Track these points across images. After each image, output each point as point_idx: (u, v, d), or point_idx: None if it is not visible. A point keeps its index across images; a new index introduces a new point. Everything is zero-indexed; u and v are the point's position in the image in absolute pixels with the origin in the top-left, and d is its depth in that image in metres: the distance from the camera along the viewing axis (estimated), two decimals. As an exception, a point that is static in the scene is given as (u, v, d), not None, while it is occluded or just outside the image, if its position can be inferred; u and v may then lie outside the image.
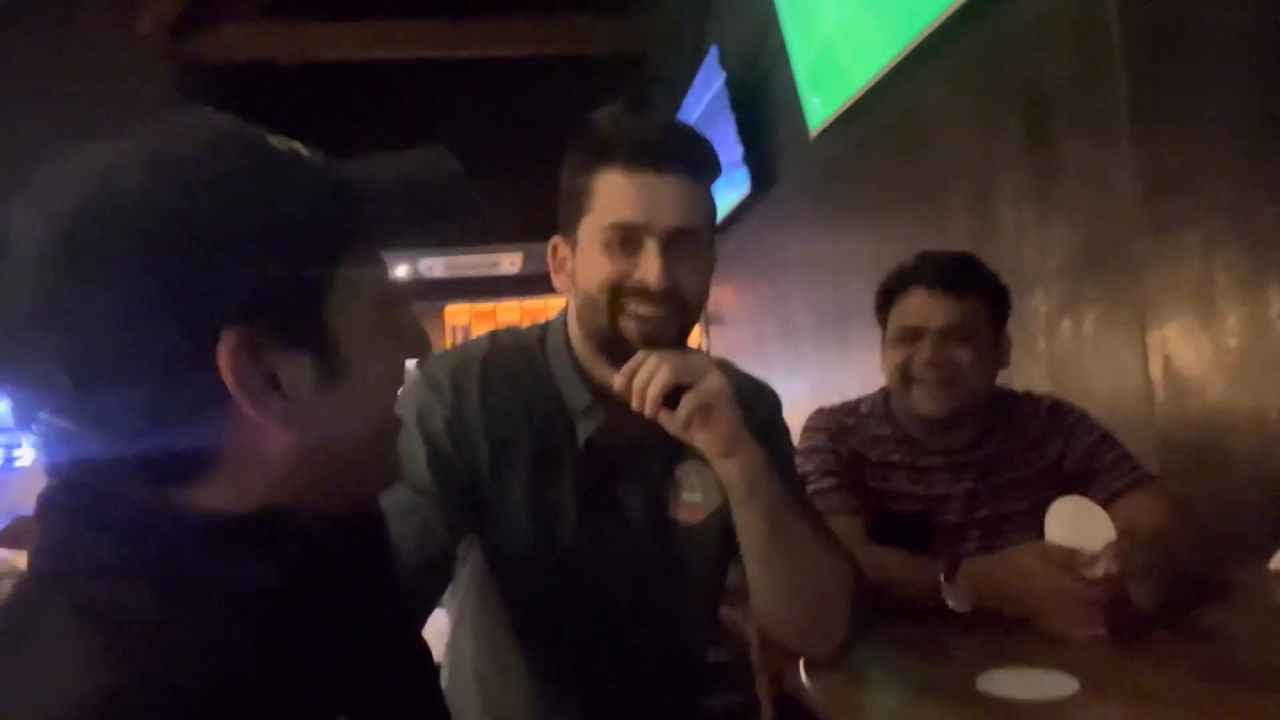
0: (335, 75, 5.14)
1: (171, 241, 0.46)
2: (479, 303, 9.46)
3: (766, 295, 3.97)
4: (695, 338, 5.25)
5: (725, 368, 1.11)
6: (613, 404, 1.00)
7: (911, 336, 1.42)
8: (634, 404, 0.92)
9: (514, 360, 1.04)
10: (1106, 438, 1.44)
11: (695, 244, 0.96)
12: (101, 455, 0.47)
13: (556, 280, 1.03)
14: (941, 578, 1.19)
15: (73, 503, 0.49)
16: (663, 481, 1.07)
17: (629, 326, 0.95)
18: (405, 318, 0.59)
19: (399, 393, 0.59)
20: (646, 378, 0.91)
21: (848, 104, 2.73)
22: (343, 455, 0.53)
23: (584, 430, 1.01)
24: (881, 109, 2.64)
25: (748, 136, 3.66)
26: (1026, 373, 1.92)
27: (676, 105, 4.47)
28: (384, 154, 0.58)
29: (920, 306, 1.42)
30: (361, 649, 0.53)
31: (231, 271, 0.47)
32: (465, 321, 10.39)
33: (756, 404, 1.11)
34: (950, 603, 1.17)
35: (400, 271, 7.83)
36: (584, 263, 0.97)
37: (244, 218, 0.48)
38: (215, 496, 0.49)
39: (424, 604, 0.92)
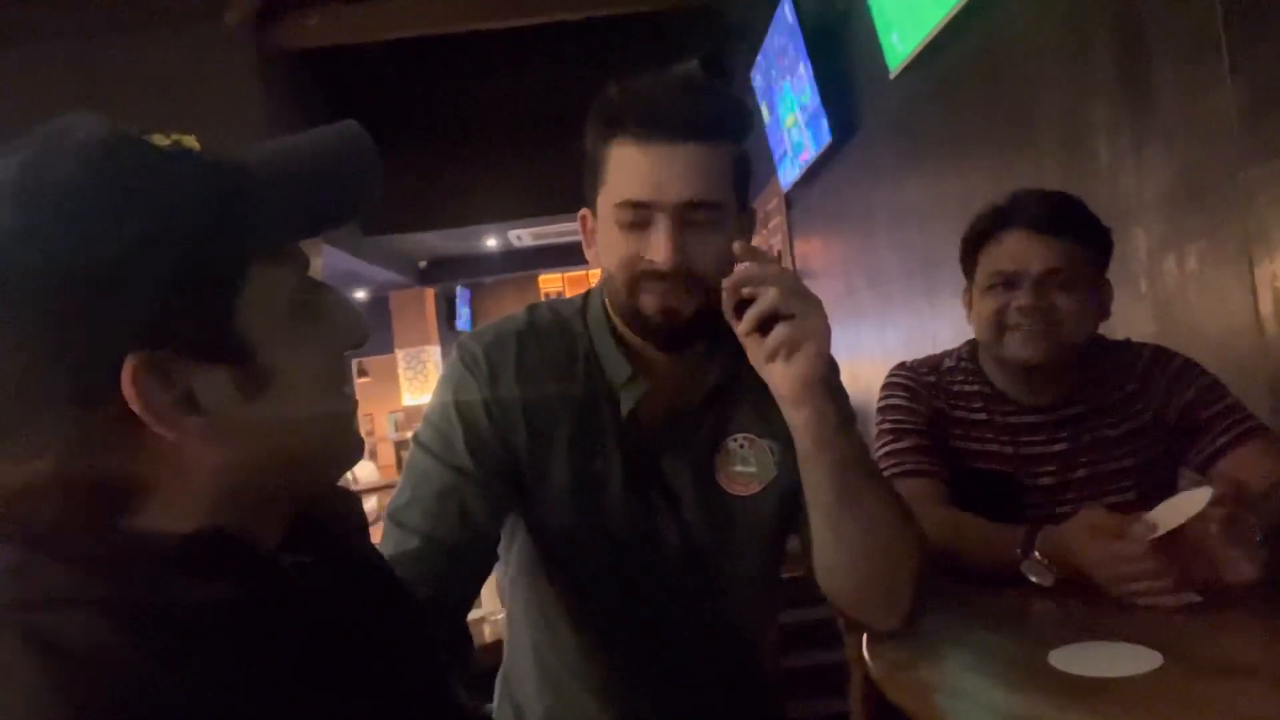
0: (420, 54, 5.20)
1: (53, 277, 0.44)
2: (571, 270, 9.53)
3: (854, 245, 3.85)
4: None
5: None
6: (655, 375, 0.99)
7: (1007, 282, 1.33)
8: (728, 315, 0.89)
9: (552, 334, 1.03)
10: (1213, 386, 1.32)
11: (714, 216, 0.92)
12: (32, 488, 0.46)
13: (588, 253, 1.01)
14: (1019, 550, 1.12)
15: (22, 533, 0.48)
16: (709, 453, 1.04)
17: (648, 304, 0.93)
18: (334, 307, 0.56)
19: (338, 383, 0.56)
20: (751, 293, 0.87)
21: (927, 39, 2.59)
22: (285, 457, 0.52)
23: (627, 401, 1.00)
24: (963, 43, 2.49)
25: (826, 84, 3.53)
26: (1128, 316, 1.79)
27: (752, 55, 4.35)
28: (292, 135, 0.54)
29: (1018, 249, 1.32)
30: (329, 664, 0.52)
31: (124, 296, 0.45)
32: (559, 289, 10.49)
33: None
34: (1031, 577, 1.11)
35: (490, 243, 7.96)
36: (602, 239, 0.96)
37: (124, 237, 0.45)
38: (157, 520, 0.48)
39: (469, 583, 0.93)
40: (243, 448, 0.49)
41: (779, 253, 5.09)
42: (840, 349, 4.45)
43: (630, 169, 0.91)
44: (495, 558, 1.02)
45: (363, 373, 9.64)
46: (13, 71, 4.08)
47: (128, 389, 0.45)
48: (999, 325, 1.34)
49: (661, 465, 1.03)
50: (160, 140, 0.50)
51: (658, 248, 0.90)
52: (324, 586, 0.55)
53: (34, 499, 0.47)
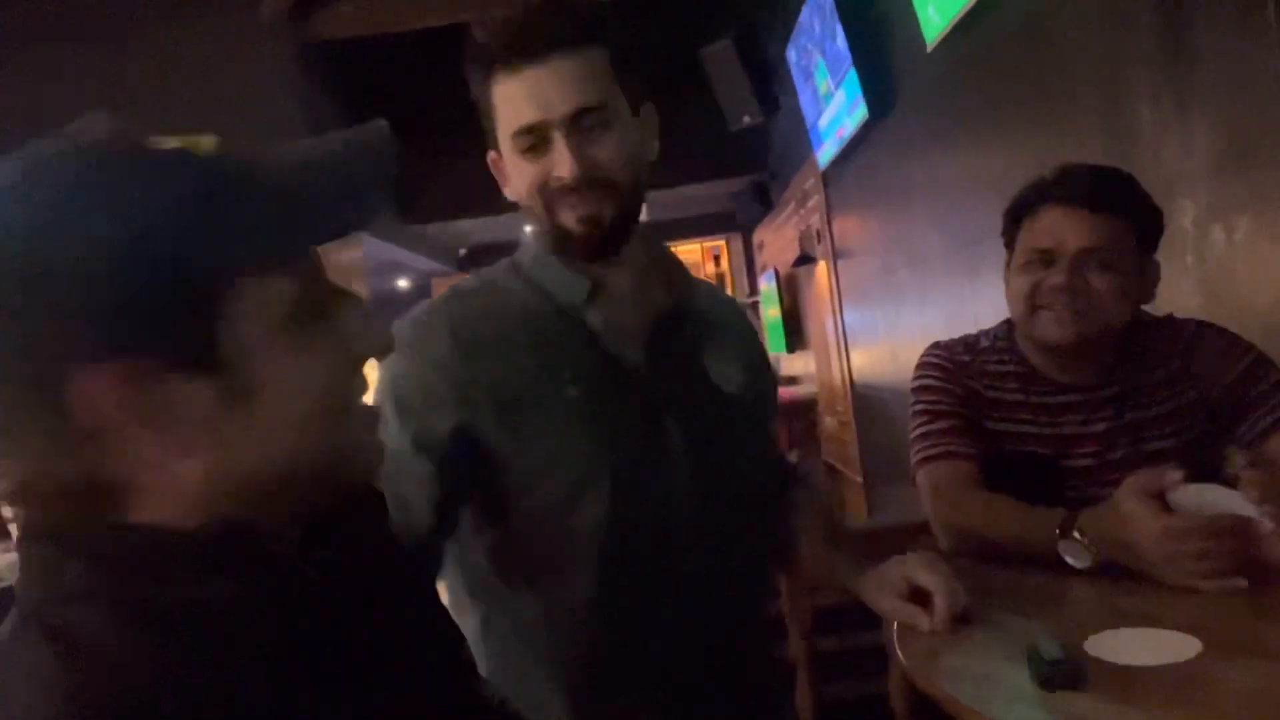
0: (457, 41, 5.20)
1: (31, 276, 0.44)
2: (611, 253, 9.47)
3: (892, 224, 3.79)
4: (822, 273, 5.12)
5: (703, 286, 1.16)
6: (609, 290, 1.02)
7: (1043, 260, 1.28)
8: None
9: (481, 293, 1.06)
10: (1260, 363, 1.28)
11: (603, 117, 0.95)
12: (31, 484, 0.47)
13: (506, 192, 1.05)
14: (1057, 533, 1.10)
15: (41, 530, 0.49)
16: (695, 353, 1.07)
17: (567, 218, 0.97)
18: (350, 317, 0.54)
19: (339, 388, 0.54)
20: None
21: (964, 11, 2.53)
22: (270, 469, 0.50)
23: (595, 317, 1.01)
24: (1000, 13, 2.43)
25: (861, 59, 3.47)
26: (1172, 290, 1.74)
27: (786, 33, 4.28)
28: (315, 137, 0.53)
29: (1055, 226, 1.28)
30: (346, 660, 0.52)
31: (99, 300, 0.44)
32: (600, 272, 10.47)
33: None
34: (1069, 559, 1.08)
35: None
36: (511, 173, 1.00)
37: (108, 244, 0.45)
38: (158, 515, 0.48)
39: (435, 557, 0.95)
40: (222, 457, 0.48)
41: (817, 232, 5.03)
42: (879, 328, 4.40)
43: (514, 98, 0.94)
44: (455, 525, 0.99)
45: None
46: (50, 66, 4.16)
47: (99, 396, 0.45)
48: (1032, 303, 1.30)
49: (648, 373, 1.02)
50: (167, 142, 0.49)
51: (559, 162, 0.94)
52: (342, 583, 0.54)
53: (29, 496, 0.48)
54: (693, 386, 1.05)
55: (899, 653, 0.93)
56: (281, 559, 0.51)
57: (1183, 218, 1.78)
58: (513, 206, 1.06)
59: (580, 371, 0.99)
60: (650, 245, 1.09)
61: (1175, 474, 1.02)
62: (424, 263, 7.47)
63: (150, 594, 0.47)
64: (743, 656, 1.09)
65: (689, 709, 1.03)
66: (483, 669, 1.01)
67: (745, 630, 1.11)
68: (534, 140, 0.94)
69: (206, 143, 0.50)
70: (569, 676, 1.01)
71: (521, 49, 0.93)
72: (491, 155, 1.03)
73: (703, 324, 1.09)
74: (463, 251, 8.59)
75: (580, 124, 0.94)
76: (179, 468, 0.48)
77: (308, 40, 4.45)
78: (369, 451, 0.57)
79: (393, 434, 0.93)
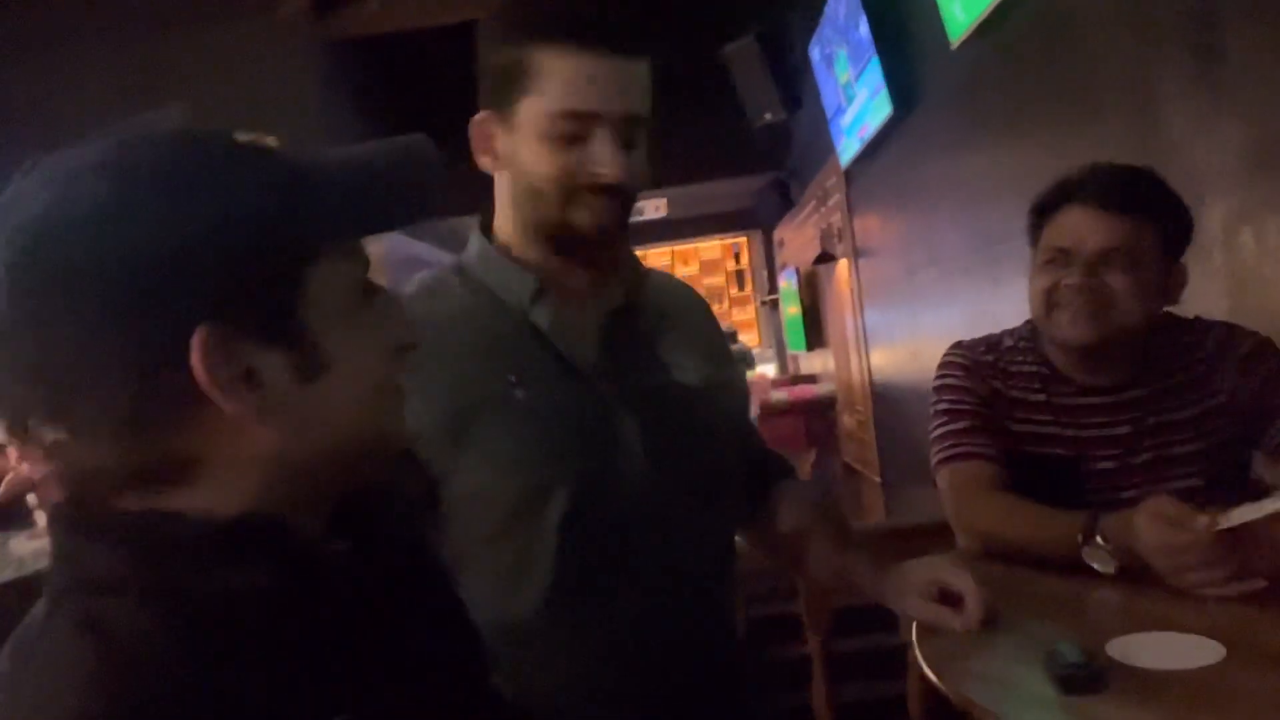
0: (473, 37, 5.22)
1: (131, 248, 0.46)
2: (640, 249, 9.50)
3: (914, 223, 3.76)
4: (843, 272, 5.09)
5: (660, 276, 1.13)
6: (562, 287, 0.97)
7: (1063, 259, 1.27)
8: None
9: (419, 299, 0.99)
10: (1286, 368, 1.26)
11: (643, 132, 0.92)
12: (91, 462, 0.48)
13: (482, 161, 0.97)
14: (1080, 538, 1.09)
15: (75, 516, 0.50)
16: (651, 348, 1.02)
17: (580, 219, 0.91)
18: (387, 308, 0.58)
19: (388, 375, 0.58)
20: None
21: (990, 8, 2.51)
22: (334, 442, 0.53)
23: (542, 316, 0.95)
24: (1026, 11, 2.41)
25: (886, 56, 3.45)
26: (1200, 292, 1.71)
27: (810, 28, 4.27)
28: (369, 142, 0.56)
29: (1075, 226, 1.27)
30: (369, 651, 0.52)
31: (196, 272, 0.47)
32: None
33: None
34: (1093, 564, 1.07)
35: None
36: (527, 151, 0.91)
37: (205, 217, 0.47)
38: (205, 499, 0.50)
39: None
40: (295, 429, 0.51)
41: (838, 230, 5.01)
42: (899, 327, 4.37)
43: (569, 78, 0.87)
44: None
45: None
46: (75, 66, 4.21)
47: (196, 357, 0.47)
48: (1050, 303, 1.29)
49: (601, 371, 0.97)
50: (242, 136, 0.53)
51: (604, 161, 0.88)
52: (364, 574, 0.55)
53: (91, 472, 0.49)
54: (649, 382, 1.00)
55: (918, 655, 0.93)
56: (308, 550, 0.52)
57: (1211, 219, 1.76)
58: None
59: (529, 374, 0.94)
60: (615, 244, 1.03)
61: (1203, 519, 1.00)
62: (444, 257, 7.50)
63: (179, 583, 0.47)
64: (711, 652, 1.05)
65: (657, 705, 0.99)
66: None
67: (711, 625, 1.06)
68: (575, 129, 0.88)
69: (269, 140, 0.54)
70: (529, 677, 0.93)
71: (597, 33, 0.87)
72: (482, 117, 0.95)
73: (658, 316, 1.05)
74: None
75: (628, 129, 0.90)
76: (250, 440, 0.50)
77: (332, 38, 4.47)
78: (402, 430, 0.60)
79: None
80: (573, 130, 0.88)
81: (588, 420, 0.95)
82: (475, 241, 1.02)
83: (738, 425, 1.14)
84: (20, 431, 0.48)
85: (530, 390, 0.93)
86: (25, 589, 3.30)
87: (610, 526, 0.95)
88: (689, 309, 1.13)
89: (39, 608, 0.49)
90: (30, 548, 3.68)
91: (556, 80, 0.88)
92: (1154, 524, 1.02)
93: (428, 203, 0.57)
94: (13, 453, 4.82)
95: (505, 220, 0.99)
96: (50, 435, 0.48)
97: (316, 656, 0.49)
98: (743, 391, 1.21)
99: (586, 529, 0.94)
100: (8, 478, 4.62)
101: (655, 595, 0.98)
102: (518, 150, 0.92)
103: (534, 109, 0.89)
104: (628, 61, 0.89)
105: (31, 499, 4.69)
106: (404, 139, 0.57)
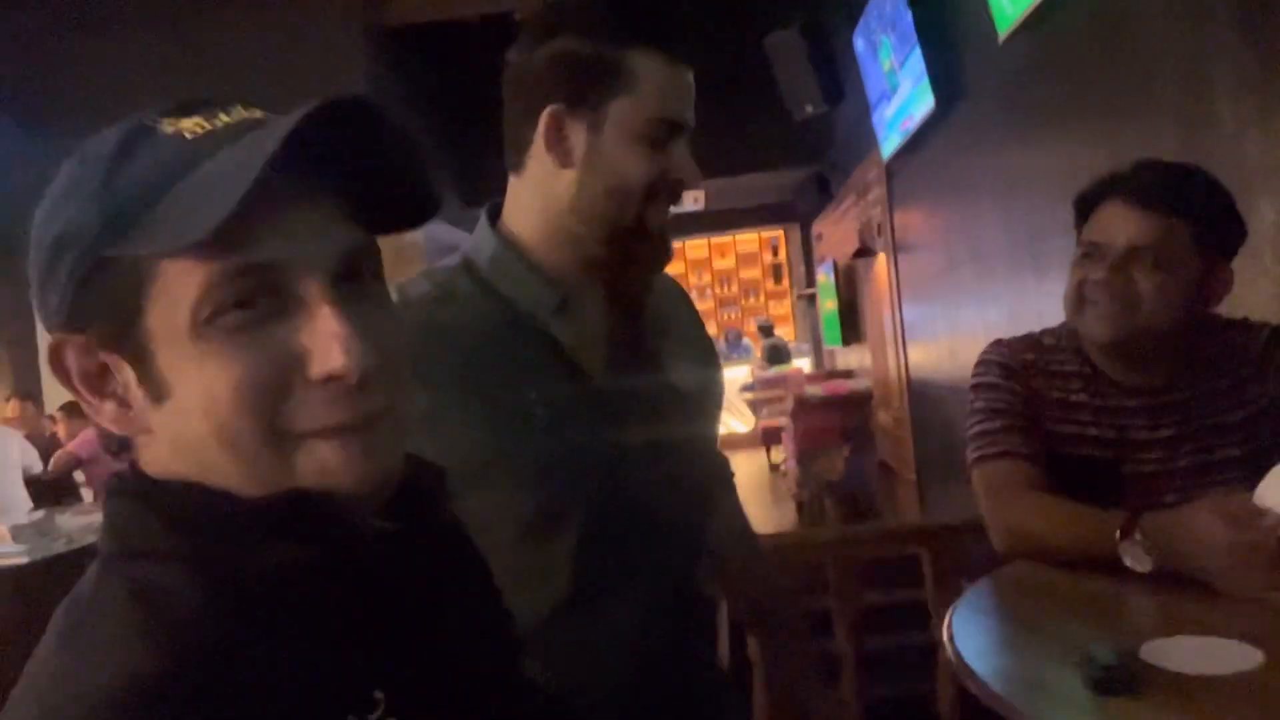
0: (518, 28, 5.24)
1: (40, 236, 0.50)
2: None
3: (956, 218, 3.72)
4: (881, 267, 5.04)
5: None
6: (578, 303, 0.95)
7: (1095, 254, 1.25)
8: None
9: (437, 305, 0.94)
10: (1340, 370, 1.23)
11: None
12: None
13: (552, 155, 0.92)
14: (1118, 535, 1.07)
15: (126, 485, 0.52)
16: (656, 357, 1.02)
17: (654, 218, 0.93)
18: (303, 328, 0.48)
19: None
20: None
21: (1038, 1, 2.47)
22: (214, 474, 0.49)
23: (562, 329, 0.93)
24: (1076, 4, 2.37)
25: (931, 49, 3.41)
26: (1251, 293, 1.68)
27: (853, 20, 4.22)
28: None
29: (1109, 221, 1.25)
30: (404, 629, 0.53)
31: (57, 276, 0.49)
32: (657, 261, 10.49)
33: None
34: (1128, 561, 1.06)
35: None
36: (618, 149, 0.90)
37: (66, 218, 0.49)
38: (153, 465, 0.52)
39: None
40: (165, 445, 0.51)
41: (878, 225, 4.96)
42: (938, 324, 4.32)
43: (668, 88, 0.90)
44: None
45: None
46: (126, 52, 4.29)
47: (51, 359, 0.50)
48: (1079, 298, 1.28)
49: (610, 384, 0.96)
50: (168, 125, 0.49)
51: (687, 167, 0.92)
52: (405, 555, 0.55)
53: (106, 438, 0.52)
54: (652, 393, 1.00)
55: (949, 654, 0.92)
56: (350, 528, 0.52)
57: (1263, 217, 1.72)
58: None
59: (547, 389, 0.92)
60: None
61: (1271, 516, 0.98)
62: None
63: (222, 553, 0.48)
64: (701, 653, 1.09)
65: (655, 705, 0.99)
66: None
67: (702, 628, 1.09)
68: (664, 135, 0.90)
69: (241, 113, 0.51)
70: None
71: (680, 46, 0.91)
72: (557, 110, 0.91)
73: (655, 319, 1.04)
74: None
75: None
76: (139, 440, 0.52)
77: (380, 25, 4.52)
78: (333, 477, 0.51)
79: None
80: (664, 136, 0.90)
81: (602, 437, 0.95)
82: (488, 241, 0.97)
83: (713, 433, 1.16)
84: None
85: (549, 408, 0.92)
86: (74, 562, 3.39)
87: (620, 537, 0.95)
88: (677, 306, 1.12)
89: (89, 574, 0.50)
90: (78, 523, 3.79)
91: (654, 86, 0.89)
92: (1216, 521, 1.00)
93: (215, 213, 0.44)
94: (62, 429, 4.95)
95: (534, 219, 0.96)
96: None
97: (355, 632, 0.50)
98: (722, 389, 1.21)
99: (600, 541, 0.93)
100: (56, 454, 4.75)
101: (657, 599, 0.98)
102: (604, 149, 0.91)
103: (629, 111, 0.90)
104: (691, 73, 0.93)
105: (79, 475, 4.82)
106: (299, 112, 0.47)
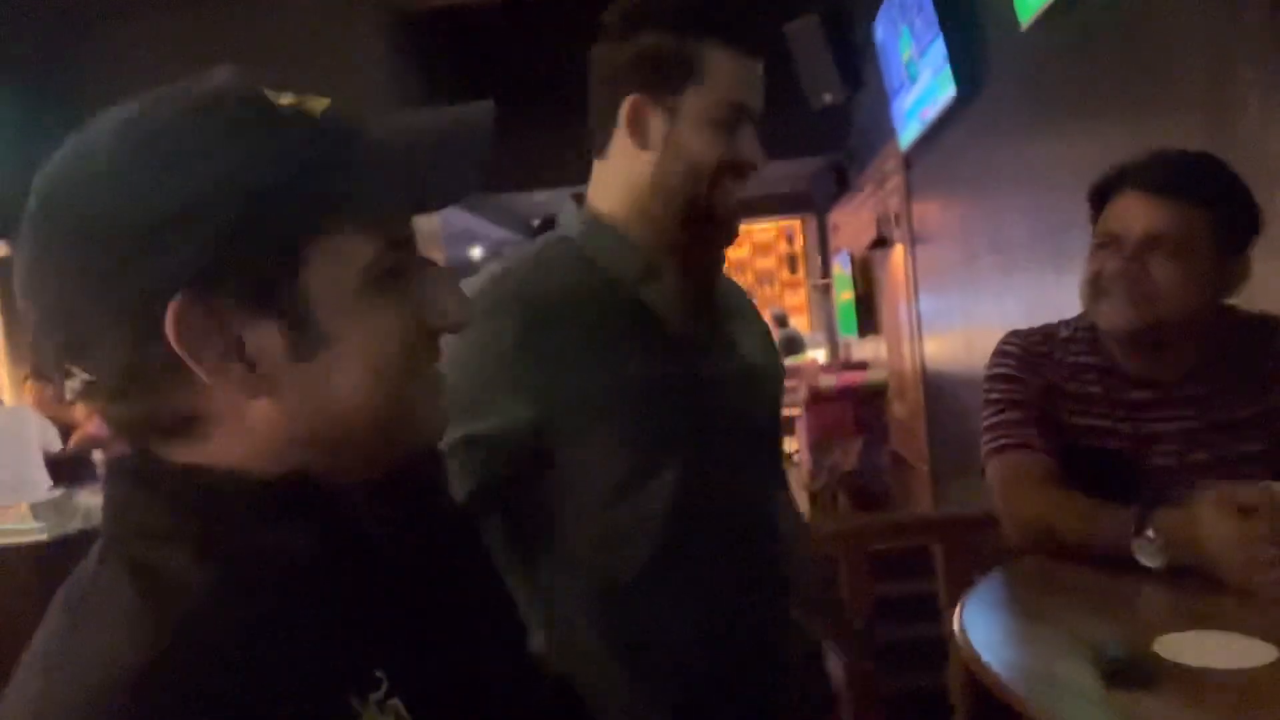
0: (540, 13, 5.22)
1: (126, 205, 0.47)
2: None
3: (975, 209, 3.69)
4: (898, 258, 5.01)
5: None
6: (660, 269, 1.03)
7: (1112, 244, 1.25)
8: None
9: (540, 274, 1.03)
10: (1362, 366, 1.22)
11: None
12: (114, 409, 0.50)
13: (635, 139, 1.01)
14: (1132, 530, 1.07)
15: (127, 466, 0.52)
16: (726, 331, 1.11)
17: (721, 199, 1.01)
18: (433, 286, 0.55)
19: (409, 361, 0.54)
20: None
21: (1062, -11, 2.44)
22: (341, 424, 0.51)
23: (650, 293, 1.03)
24: (1101, -8, 2.34)
25: (952, 37, 3.37)
26: (1272, 286, 1.66)
27: (874, 8, 4.19)
28: (428, 109, 0.55)
29: (1125, 210, 1.24)
30: (406, 611, 0.53)
31: (186, 238, 0.47)
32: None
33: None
34: (1141, 558, 1.05)
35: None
36: (692, 133, 0.99)
37: (200, 181, 0.47)
38: (215, 457, 0.50)
39: None
40: (288, 405, 0.50)
41: (895, 215, 4.93)
42: (955, 315, 4.30)
43: (734, 73, 0.99)
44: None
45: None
46: (142, 34, 4.30)
47: (170, 326, 0.47)
48: (1096, 288, 1.26)
49: (693, 346, 1.05)
50: (279, 99, 0.51)
51: (752, 149, 1.00)
52: (404, 541, 0.56)
53: (118, 420, 0.50)
54: (728, 358, 1.09)
55: (962, 646, 0.92)
56: (351, 514, 0.52)
57: (1285, 212, 1.70)
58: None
59: (639, 349, 1.01)
60: None
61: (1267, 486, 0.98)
62: (497, 232, 7.56)
63: (225, 535, 0.48)
64: (789, 625, 1.12)
65: (747, 676, 1.05)
66: (539, 639, 1.01)
67: (785, 599, 1.12)
68: (732, 118, 0.99)
69: (318, 103, 0.53)
70: (629, 648, 1.01)
71: (747, 37, 1.00)
72: (638, 99, 1.00)
73: (728, 306, 1.14)
74: (535, 222, 8.66)
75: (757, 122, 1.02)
76: (248, 407, 0.50)
77: (399, 10, 4.52)
78: (433, 417, 0.58)
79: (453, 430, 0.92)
80: (733, 119, 0.99)
81: (691, 396, 1.02)
82: (579, 217, 1.06)
83: (781, 411, 1.23)
84: (57, 373, 0.50)
85: (642, 366, 1.00)
86: (92, 540, 3.44)
87: (709, 497, 1.01)
88: (742, 303, 1.21)
89: (91, 555, 0.50)
90: (96, 501, 3.82)
91: (723, 73, 0.99)
92: (1223, 513, 0.99)
93: (458, 185, 0.54)
94: (81, 409, 4.99)
95: (619, 197, 1.04)
96: (80, 378, 0.49)
97: (358, 612, 0.50)
98: (784, 375, 1.27)
99: (689, 503, 1.00)
100: (75, 433, 4.80)
101: (746, 568, 1.05)
102: (679, 133, 1.00)
103: (704, 97, 0.99)
104: (759, 63, 1.02)
105: (98, 455, 4.86)
106: (463, 108, 0.55)
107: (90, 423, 4.75)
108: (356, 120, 0.53)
